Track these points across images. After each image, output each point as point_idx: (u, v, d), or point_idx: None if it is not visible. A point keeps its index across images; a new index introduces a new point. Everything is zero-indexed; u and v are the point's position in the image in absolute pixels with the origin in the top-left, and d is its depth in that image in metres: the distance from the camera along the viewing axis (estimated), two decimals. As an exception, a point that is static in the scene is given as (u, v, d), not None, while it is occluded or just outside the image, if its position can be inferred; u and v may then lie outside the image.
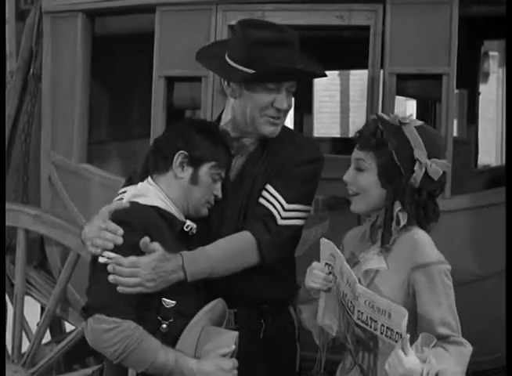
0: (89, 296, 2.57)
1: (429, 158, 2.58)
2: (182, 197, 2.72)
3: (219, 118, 3.01)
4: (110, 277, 2.51)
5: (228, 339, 2.58)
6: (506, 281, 3.13)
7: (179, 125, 2.88)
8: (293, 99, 2.90)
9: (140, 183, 2.77)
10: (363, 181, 2.64)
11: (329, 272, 2.61)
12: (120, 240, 2.55)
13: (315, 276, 2.63)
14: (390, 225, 2.60)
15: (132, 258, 2.53)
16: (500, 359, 3.47)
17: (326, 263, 2.63)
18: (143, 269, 2.53)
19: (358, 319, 2.51)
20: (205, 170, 2.72)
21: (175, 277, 2.59)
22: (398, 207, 2.59)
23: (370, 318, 2.47)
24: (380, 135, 2.60)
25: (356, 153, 2.67)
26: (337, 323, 2.66)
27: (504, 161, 12.00)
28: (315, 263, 2.66)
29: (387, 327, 2.42)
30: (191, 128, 2.79)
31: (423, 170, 2.57)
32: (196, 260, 2.64)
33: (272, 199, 2.83)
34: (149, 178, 2.76)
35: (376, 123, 2.65)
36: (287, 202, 2.82)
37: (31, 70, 4.27)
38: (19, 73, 4.32)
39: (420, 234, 2.59)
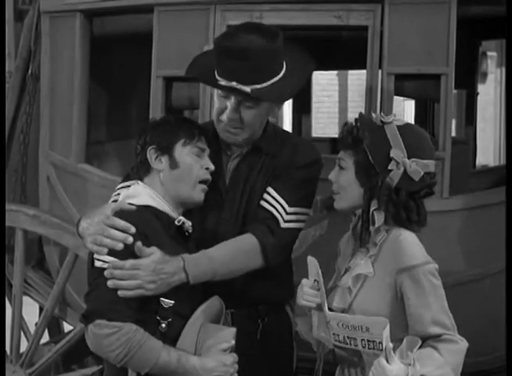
0: (88, 302, 2.56)
1: (409, 158, 2.55)
2: (172, 188, 2.70)
3: None
4: (109, 282, 2.51)
5: (227, 335, 2.60)
6: (506, 281, 3.13)
7: (139, 130, 2.89)
8: (256, 111, 2.82)
9: (132, 187, 2.77)
10: (343, 179, 2.65)
11: (319, 289, 2.61)
12: (130, 240, 2.54)
13: (304, 293, 2.62)
14: (368, 225, 2.59)
15: (131, 261, 2.53)
16: (498, 360, 3.48)
17: (315, 280, 2.62)
18: (143, 271, 2.52)
19: (336, 340, 2.52)
20: (179, 149, 2.71)
21: (177, 280, 2.59)
22: (374, 206, 2.58)
23: (347, 337, 2.48)
24: (356, 133, 2.60)
25: (339, 154, 2.68)
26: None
27: (502, 161, 11.99)
28: (304, 280, 2.65)
29: (367, 340, 2.43)
30: (147, 125, 2.82)
31: (402, 169, 2.54)
32: (197, 262, 2.63)
33: (275, 202, 2.83)
34: (138, 181, 2.76)
35: (356, 122, 2.65)
36: (289, 205, 2.83)
37: (30, 70, 4.27)
38: (17, 73, 4.31)
39: (405, 235, 2.56)
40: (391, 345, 2.35)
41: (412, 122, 4.12)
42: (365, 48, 3.55)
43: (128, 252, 2.54)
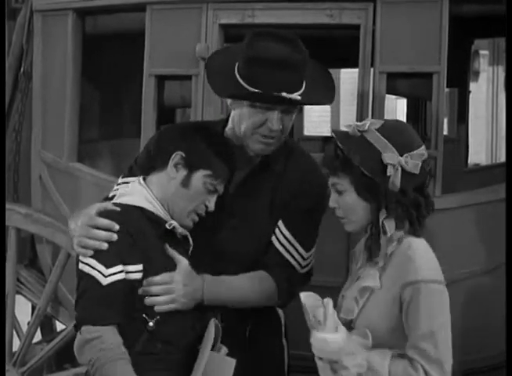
0: (76, 310, 2.54)
1: (401, 156, 2.46)
2: (170, 199, 2.67)
3: (227, 120, 2.96)
4: (147, 300, 2.54)
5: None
6: (507, 280, 3.12)
7: (184, 126, 2.85)
8: (293, 116, 2.84)
9: (131, 184, 2.75)
10: (346, 202, 2.54)
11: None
12: (115, 237, 2.53)
13: None
14: (378, 237, 2.52)
15: (165, 276, 2.56)
16: (492, 358, 3.49)
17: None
18: (176, 285, 2.57)
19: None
20: (199, 176, 2.66)
21: (197, 298, 2.63)
22: (383, 215, 2.50)
23: None
24: (341, 155, 2.51)
25: (330, 179, 2.58)
26: None
27: (495, 160, 11.99)
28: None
29: None
30: (197, 133, 2.75)
31: (400, 170, 2.44)
32: (216, 286, 2.69)
33: (292, 249, 2.84)
34: (141, 178, 2.74)
35: (335, 143, 2.54)
36: (306, 251, 2.86)
37: (22, 69, 4.27)
38: (9, 71, 4.31)
39: (414, 246, 2.48)
40: (320, 311, 2.40)
41: (405, 121, 4.14)
42: (358, 47, 3.56)
43: (113, 254, 2.53)
